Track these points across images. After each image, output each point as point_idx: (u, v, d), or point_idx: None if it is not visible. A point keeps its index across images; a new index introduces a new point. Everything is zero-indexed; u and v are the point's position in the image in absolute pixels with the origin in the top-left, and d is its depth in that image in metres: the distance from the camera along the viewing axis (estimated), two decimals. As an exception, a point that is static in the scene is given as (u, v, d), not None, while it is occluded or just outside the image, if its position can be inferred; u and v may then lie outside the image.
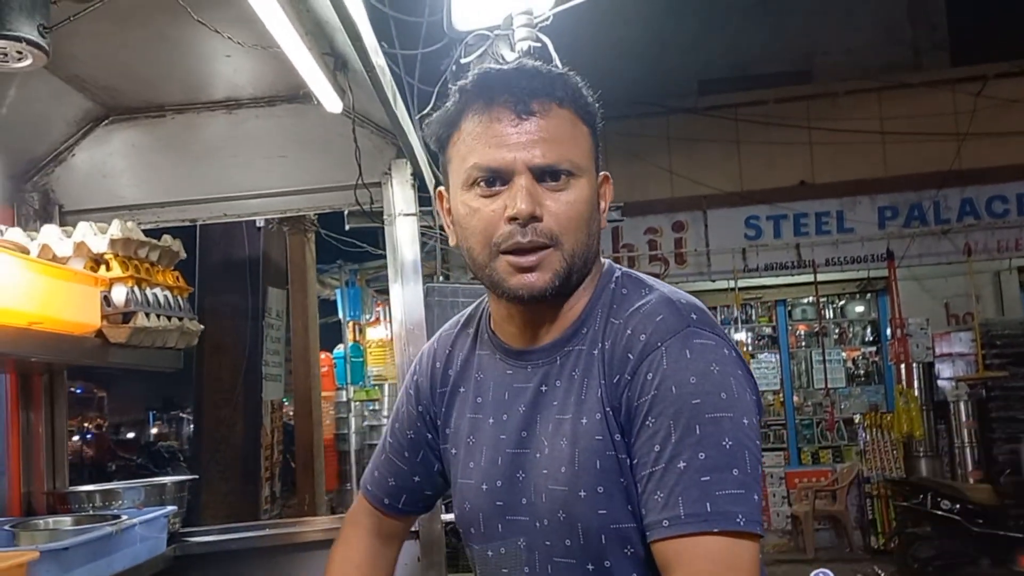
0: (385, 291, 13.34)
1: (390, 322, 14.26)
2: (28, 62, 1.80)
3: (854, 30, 11.78)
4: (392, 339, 12.83)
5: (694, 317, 1.19)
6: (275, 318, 5.87)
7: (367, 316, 12.64)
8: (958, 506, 7.55)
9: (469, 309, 1.50)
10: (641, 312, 1.21)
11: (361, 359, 10.99)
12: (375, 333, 12.98)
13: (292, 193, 3.03)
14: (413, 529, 2.79)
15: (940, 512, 7.59)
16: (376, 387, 11.63)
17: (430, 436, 1.46)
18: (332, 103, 2.47)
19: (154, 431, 19.30)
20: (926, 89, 10.31)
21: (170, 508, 2.54)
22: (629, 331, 1.20)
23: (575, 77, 1.26)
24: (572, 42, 3.43)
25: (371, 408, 11.18)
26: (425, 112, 3.38)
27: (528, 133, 1.19)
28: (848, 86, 10.76)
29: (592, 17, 3.52)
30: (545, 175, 1.20)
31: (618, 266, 1.35)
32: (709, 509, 1.06)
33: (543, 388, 1.27)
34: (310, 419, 5.81)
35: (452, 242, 1.33)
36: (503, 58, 3.40)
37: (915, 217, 10.27)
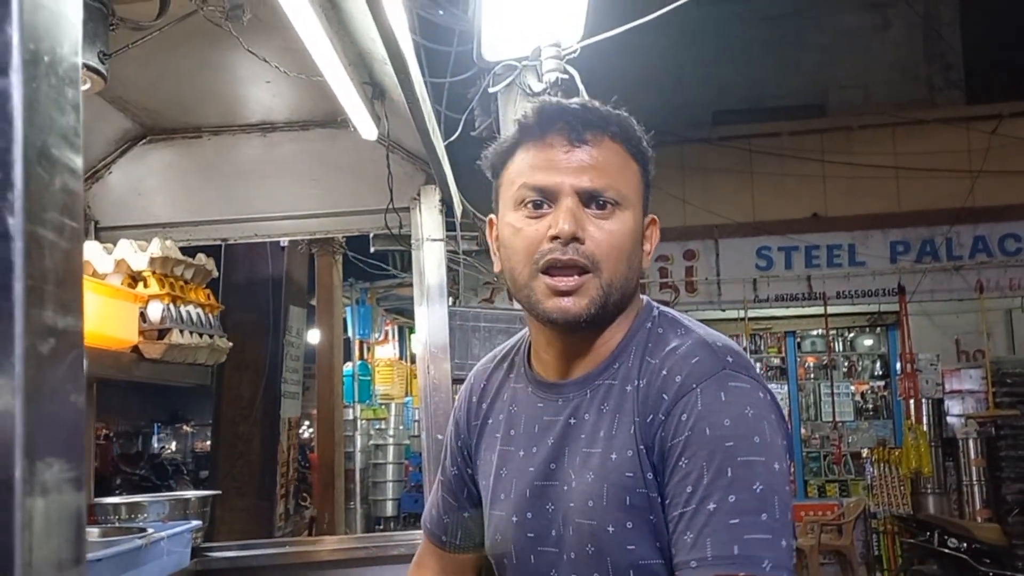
0: (395, 310, 13.44)
1: (398, 341, 14.30)
2: (87, 87, 1.86)
3: (869, 66, 11.85)
4: (396, 358, 12.78)
5: (730, 360, 1.20)
6: (295, 336, 5.91)
7: (376, 335, 12.67)
8: (965, 545, 7.51)
9: (508, 344, 1.52)
10: (677, 353, 1.22)
11: (369, 377, 11.01)
12: (383, 352, 13.01)
13: (322, 215, 3.09)
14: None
15: (947, 550, 7.55)
16: (383, 406, 11.63)
17: (470, 471, 1.49)
18: (368, 130, 2.53)
19: (158, 444, 19.28)
20: (940, 126, 10.35)
21: (195, 523, 2.57)
22: (664, 371, 1.21)
23: (632, 120, 1.30)
24: (588, 70, 3.48)
25: (377, 427, 11.18)
26: (454, 137, 3.44)
27: (579, 160, 1.22)
28: (862, 120, 10.81)
29: (608, 47, 3.57)
30: (591, 201, 1.22)
31: (657, 304, 1.36)
32: (736, 552, 1.06)
33: (572, 421, 1.28)
34: (332, 438, 5.85)
35: (496, 268, 1.34)
36: (531, 88, 3.45)
37: (927, 253, 10.29)
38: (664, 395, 1.18)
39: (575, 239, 1.20)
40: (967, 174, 10.02)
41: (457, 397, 1.55)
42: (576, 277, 1.21)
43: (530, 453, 1.33)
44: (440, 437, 2.86)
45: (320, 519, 5.83)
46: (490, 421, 1.43)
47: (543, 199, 1.23)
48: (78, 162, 0.53)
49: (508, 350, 1.50)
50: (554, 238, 1.20)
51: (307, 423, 14.02)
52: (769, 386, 1.23)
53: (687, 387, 1.17)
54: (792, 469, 9.13)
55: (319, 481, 6.30)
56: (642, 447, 1.19)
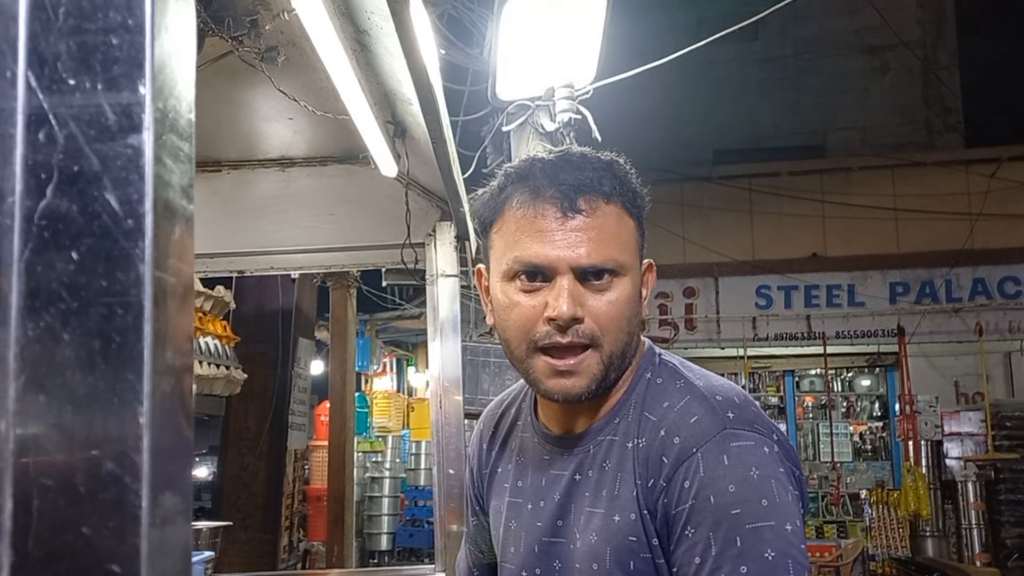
0: (393, 342, 13.45)
1: (396, 373, 14.27)
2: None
3: (868, 109, 11.99)
4: (394, 391, 12.73)
5: (730, 416, 1.14)
6: (303, 368, 5.92)
7: (375, 367, 12.67)
8: (965, 588, 7.51)
9: (515, 387, 1.50)
10: (675, 411, 1.17)
11: (366, 410, 10.99)
12: (381, 384, 13.00)
13: (337, 249, 3.13)
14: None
15: (946, 593, 7.53)
16: (380, 439, 11.60)
17: (488, 520, 1.46)
18: (388, 167, 2.58)
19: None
20: (939, 168, 10.46)
21: (208, 554, 2.57)
22: (663, 432, 1.16)
23: (623, 165, 1.24)
24: (592, 109, 3.54)
25: (373, 460, 11.15)
26: (467, 175, 3.49)
27: (573, 231, 1.15)
28: (861, 162, 10.92)
29: (612, 86, 3.64)
30: (588, 275, 1.16)
31: (659, 350, 1.31)
32: None
33: (577, 477, 1.25)
34: (343, 471, 5.84)
35: (490, 321, 1.30)
36: (543, 127, 3.51)
37: (926, 294, 10.35)
38: (664, 458, 1.14)
39: (575, 320, 1.15)
40: (966, 217, 10.11)
41: (470, 444, 1.53)
42: (577, 356, 1.17)
43: (538, 507, 1.30)
44: (452, 472, 2.88)
45: (329, 552, 5.80)
46: (499, 470, 1.41)
47: (537, 273, 1.17)
48: (191, 211, 0.56)
49: (516, 395, 1.47)
50: (551, 320, 1.15)
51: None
52: (774, 427, 1.18)
53: (687, 451, 1.12)
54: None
55: (327, 514, 6.28)
56: (645, 512, 1.15)
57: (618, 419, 1.23)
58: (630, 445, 1.19)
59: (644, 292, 1.26)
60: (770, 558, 1.04)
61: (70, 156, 0.52)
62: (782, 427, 11.21)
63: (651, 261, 1.28)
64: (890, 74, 12.06)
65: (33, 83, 0.52)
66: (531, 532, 1.30)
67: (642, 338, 1.30)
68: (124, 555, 0.48)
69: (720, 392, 1.19)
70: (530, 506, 1.32)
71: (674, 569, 1.12)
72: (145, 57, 0.53)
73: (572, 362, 1.16)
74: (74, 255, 0.51)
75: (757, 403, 1.22)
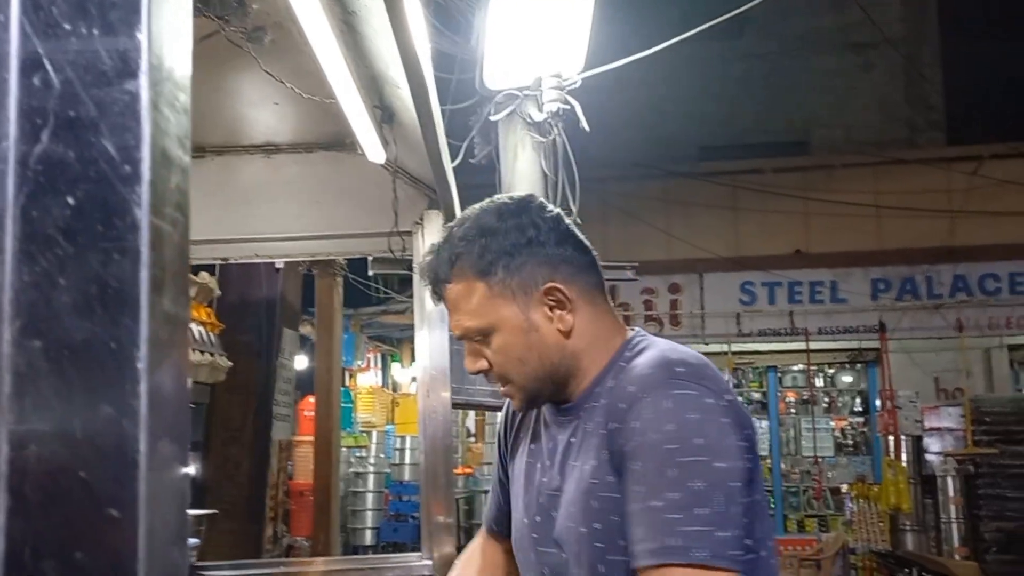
0: (378, 338, 13.41)
1: (380, 369, 14.23)
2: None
3: (852, 106, 12.05)
4: (379, 386, 12.69)
5: (679, 370, 1.30)
6: (287, 359, 5.89)
7: (359, 362, 12.63)
8: (944, 582, 7.56)
9: None
10: (636, 369, 1.35)
11: (350, 405, 10.95)
12: (365, 379, 12.97)
13: (323, 237, 3.11)
14: (428, 575, 2.83)
15: (926, 587, 7.59)
16: (364, 434, 11.57)
17: (508, 476, 1.68)
18: (376, 153, 2.57)
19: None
20: (921, 166, 10.52)
21: (192, 541, 2.56)
22: (625, 383, 1.34)
23: (459, 242, 1.42)
24: (578, 103, 3.55)
25: (357, 455, 11.12)
26: (455, 164, 3.48)
27: (449, 311, 1.44)
28: (844, 159, 10.97)
29: (597, 81, 3.64)
30: (472, 338, 1.42)
31: (644, 333, 1.48)
32: (677, 545, 1.18)
33: (572, 440, 1.43)
34: (329, 460, 5.82)
35: None
36: (531, 117, 3.51)
37: (908, 291, 10.42)
38: (620, 404, 1.31)
39: (481, 371, 1.43)
40: (948, 214, 10.18)
41: (501, 411, 1.74)
42: (504, 387, 1.45)
43: (545, 466, 1.49)
44: (439, 459, 2.88)
45: (315, 541, 5.79)
46: (521, 434, 1.61)
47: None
48: (188, 162, 0.56)
49: None
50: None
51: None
52: (728, 390, 1.33)
53: (638, 397, 1.29)
54: (772, 502, 9.13)
55: (314, 503, 6.27)
56: (605, 453, 1.33)
57: (598, 388, 1.41)
58: (604, 401, 1.38)
59: (554, 312, 1.41)
60: (698, 488, 1.19)
61: (66, 101, 0.51)
62: (764, 423, 11.31)
63: (552, 282, 1.41)
64: (873, 72, 12.13)
65: (28, 28, 0.52)
66: (536, 487, 1.50)
67: (629, 328, 1.50)
68: (123, 499, 0.47)
69: (679, 353, 1.36)
70: (540, 465, 1.51)
71: (626, 501, 1.28)
72: (142, 3, 0.52)
73: (504, 391, 1.46)
74: (70, 200, 0.50)
75: (718, 370, 1.38)
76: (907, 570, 7.84)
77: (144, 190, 0.50)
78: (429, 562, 2.81)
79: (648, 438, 1.24)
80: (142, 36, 0.52)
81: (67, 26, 0.52)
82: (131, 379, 0.48)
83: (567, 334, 1.43)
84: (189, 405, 0.54)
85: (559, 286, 1.42)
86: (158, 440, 0.49)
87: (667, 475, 1.21)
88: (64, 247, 0.50)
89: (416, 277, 2.99)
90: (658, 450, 1.23)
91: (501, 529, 1.70)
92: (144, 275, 0.49)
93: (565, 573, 1.41)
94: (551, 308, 1.42)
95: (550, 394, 1.45)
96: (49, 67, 0.51)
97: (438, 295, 1.43)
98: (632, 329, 1.49)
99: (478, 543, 1.81)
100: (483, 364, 1.41)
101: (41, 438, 0.48)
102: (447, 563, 2.76)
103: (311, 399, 8.83)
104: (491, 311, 1.39)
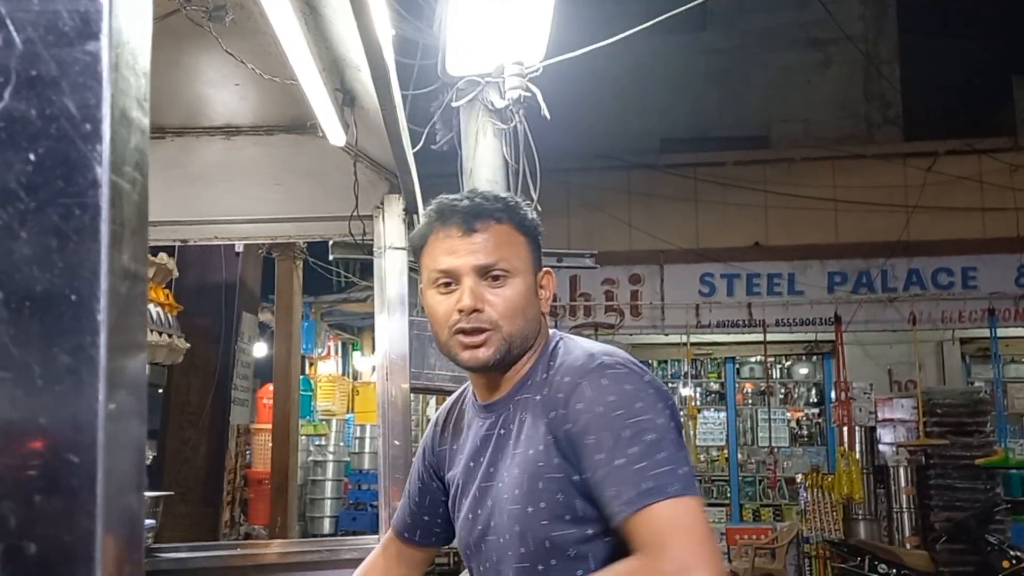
0: (339, 326, 13.35)
1: (341, 357, 14.16)
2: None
3: (811, 102, 12.19)
4: (339, 374, 12.61)
5: (606, 358, 1.48)
6: (247, 343, 5.85)
7: (319, 350, 12.57)
8: (895, 571, 7.71)
9: (463, 387, 1.83)
10: (567, 362, 1.53)
11: (310, 393, 10.90)
12: (326, 368, 12.91)
13: (283, 220, 3.11)
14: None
15: (877, 575, 7.74)
16: (323, 422, 11.52)
17: (435, 485, 1.79)
18: (337, 136, 2.57)
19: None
20: (878, 161, 10.69)
21: (149, 522, 2.56)
22: (558, 377, 1.51)
23: (520, 202, 1.60)
24: (541, 93, 3.57)
25: (316, 443, 11.07)
26: (416, 150, 3.48)
27: (473, 243, 1.52)
28: (803, 153, 11.11)
29: (561, 70, 3.67)
30: (486, 274, 1.51)
31: (562, 334, 1.65)
32: (652, 486, 1.31)
33: (502, 432, 1.58)
34: (287, 443, 5.80)
35: (429, 322, 1.63)
36: (493, 104, 3.53)
37: (863, 284, 10.59)
38: (559, 393, 1.47)
39: (476, 310, 1.50)
40: (903, 209, 10.35)
41: (427, 428, 1.85)
42: (480, 335, 1.51)
43: (478, 463, 1.62)
44: (398, 443, 2.90)
45: (272, 523, 5.77)
46: (454, 446, 1.72)
47: (450, 279, 1.52)
48: (147, 124, 0.58)
49: (464, 391, 1.79)
50: (460, 311, 1.51)
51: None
52: (648, 372, 1.50)
53: (575, 383, 1.46)
54: (728, 491, 9.25)
55: (271, 484, 6.24)
56: (550, 437, 1.47)
57: (528, 381, 1.57)
58: (539, 397, 1.53)
59: (544, 293, 1.61)
60: (651, 439, 1.35)
61: (28, 60, 0.53)
62: (722, 413, 11.46)
63: (548, 269, 1.63)
64: (833, 68, 12.28)
65: (-10, -12, 0.53)
66: (472, 483, 1.62)
67: (551, 330, 1.65)
68: (81, 445, 0.49)
69: (601, 347, 1.54)
70: (472, 464, 1.64)
71: (587, 475, 1.41)
72: (104, -34, 0.53)
73: (477, 339, 1.52)
74: (31, 156, 0.52)
75: (638, 360, 1.55)
76: (859, 559, 7.98)
77: (104, 148, 0.52)
78: (387, 544, 2.82)
79: (596, 412, 1.40)
80: (104, 0, 0.53)
81: (29, -13, 0.53)
82: (91, 330, 0.50)
83: (539, 317, 1.60)
84: (146, 359, 0.55)
85: (551, 274, 1.63)
86: (116, 389, 0.51)
87: (622, 436, 1.35)
88: (25, 201, 0.51)
89: (377, 262, 3.00)
90: (607, 418, 1.38)
91: (413, 538, 1.81)
92: (104, 230, 0.51)
93: (508, 556, 1.52)
94: (541, 289, 1.60)
95: (511, 359, 1.55)
96: (11, 26, 0.52)
97: (473, 229, 1.51)
98: (551, 330, 1.66)
99: (381, 548, 1.89)
100: (481, 304, 1.50)
101: (1, 384, 0.49)
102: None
103: (270, 387, 8.79)
104: (520, 261, 1.54)
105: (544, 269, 1.62)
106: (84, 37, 0.53)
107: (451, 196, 1.63)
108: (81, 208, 0.51)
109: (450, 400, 1.84)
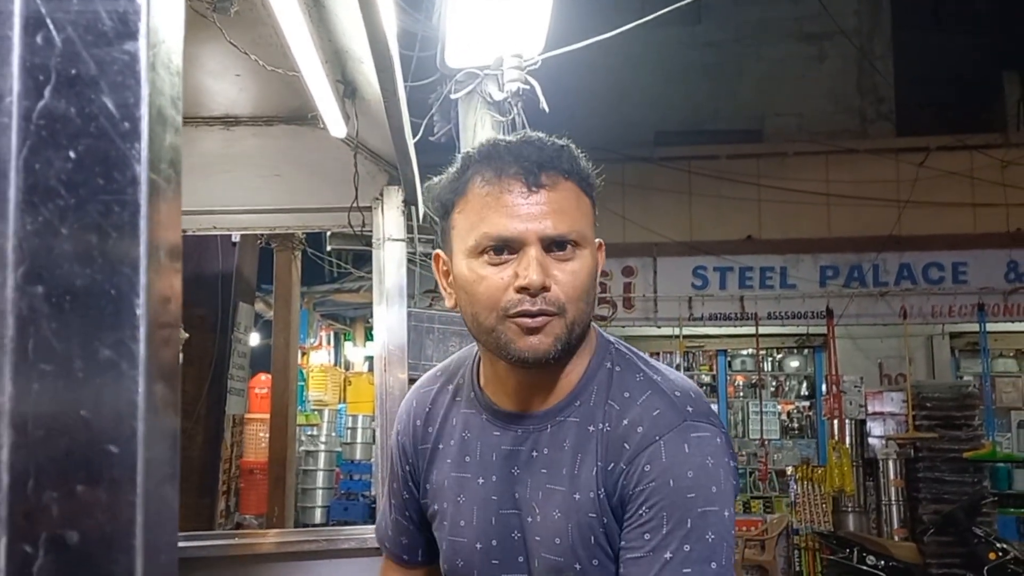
0: (331, 316, 13.36)
1: (333, 347, 14.16)
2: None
3: (805, 96, 12.22)
4: (331, 365, 12.63)
5: (690, 410, 1.23)
6: (243, 333, 5.87)
7: (311, 340, 12.59)
8: (883, 563, 7.77)
9: (448, 364, 1.53)
10: (639, 404, 1.25)
11: (302, 383, 10.91)
12: (318, 358, 12.93)
13: (282, 211, 3.11)
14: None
15: (866, 567, 7.79)
16: (316, 412, 11.55)
17: (418, 493, 1.49)
18: (337, 128, 2.58)
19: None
20: (871, 156, 10.72)
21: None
22: (627, 421, 1.24)
23: (575, 150, 1.31)
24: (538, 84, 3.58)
25: (309, 433, 11.09)
26: (414, 142, 3.49)
27: (539, 204, 1.21)
28: (797, 147, 11.14)
29: (555, 62, 3.67)
30: (553, 245, 1.23)
31: (608, 336, 1.39)
32: None
33: (534, 454, 1.31)
34: (285, 432, 5.82)
35: (449, 304, 1.35)
36: (491, 97, 3.53)
37: (855, 278, 10.64)
38: (626, 444, 1.22)
39: (543, 288, 1.21)
40: (895, 203, 10.40)
41: (397, 420, 1.54)
42: (543, 317, 1.22)
43: (489, 481, 1.35)
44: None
45: (269, 513, 5.79)
46: (440, 446, 1.43)
47: (505, 246, 1.22)
48: (180, 122, 0.59)
49: (451, 372, 1.50)
50: (522, 288, 1.21)
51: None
52: (729, 440, 1.26)
53: (650, 438, 1.20)
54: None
55: (268, 475, 6.26)
56: (602, 491, 1.23)
57: (579, 402, 1.29)
58: (591, 428, 1.26)
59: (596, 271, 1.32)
60: (711, 540, 1.15)
61: (67, 59, 0.54)
62: (713, 406, 11.43)
63: (601, 241, 1.34)
64: (827, 62, 12.31)
65: (30, -12, 0.54)
66: (485, 506, 1.34)
67: (596, 327, 1.37)
68: (122, 437, 0.50)
69: (678, 388, 1.27)
70: (481, 480, 1.36)
71: (623, 544, 1.20)
72: (141, -32, 0.54)
73: (540, 320, 1.21)
74: (71, 154, 0.53)
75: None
76: (848, 550, 8.04)
77: (143, 146, 0.53)
78: (383, 534, 2.84)
79: (666, 484, 1.17)
80: (141, 0, 0.54)
81: (68, -13, 0.54)
82: (130, 324, 0.51)
83: (595, 303, 1.32)
84: (179, 352, 0.57)
85: (603, 247, 1.34)
86: (154, 382, 0.52)
87: (683, 525, 1.14)
88: (65, 198, 0.52)
89: (376, 253, 3.01)
90: (676, 498, 1.16)
91: (415, 558, 1.56)
92: (143, 226, 0.52)
93: None
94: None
95: (570, 353, 1.28)
96: (51, 26, 0.53)
97: (540, 184, 1.22)
98: (593, 325, 1.37)
99: None
100: (548, 281, 1.21)
101: (43, 377, 0.50)
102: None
103: (263, 377, 8.79)
104: (589, 228, 1.28)
105: (598, 241, 1.33)
106: (122, 37, 0.54)
107: (499, 137, 1.33)
108: (120, 205, 0.52)
109: (428, 387, 1.52)
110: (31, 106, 0.53)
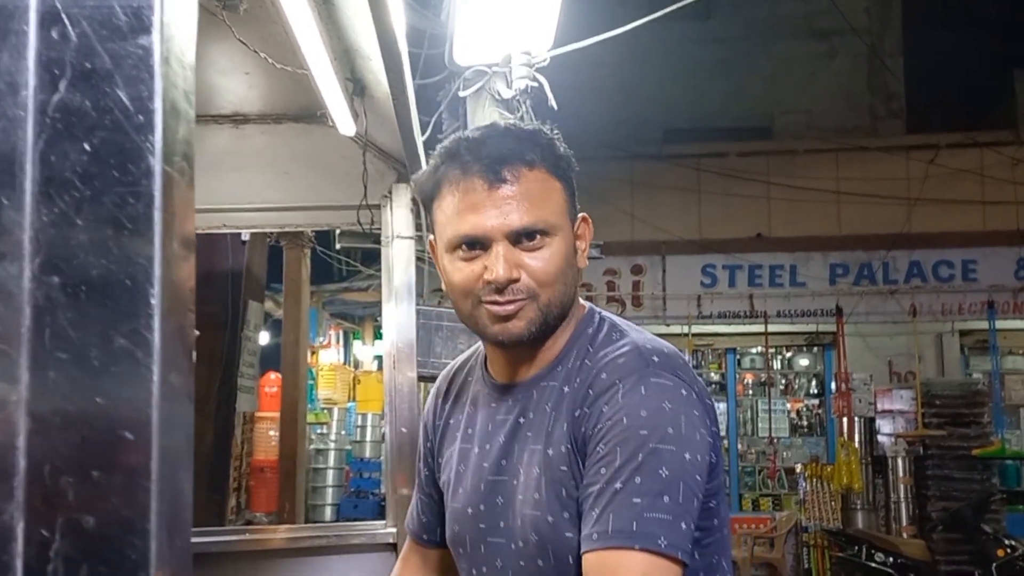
0: (340, 315, 13.39)
1: (343, 346, 14.19)
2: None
3: (815, 93, 12.18)
4: (340, 363, 12.67)
5: (655, 360, 1.26)
6: (252, 331, 5.90)
7: (320, 339, 12.62)
8: (892, 560, 7.76)
9: (472, 348, 1.61)
10: (608, 356, 1.29)
11: (312, 382, 10.95)
12: (327, 356, 12.96)
13: (291, 209, 3.12)
14: (392, 542, 2.88)
15: (874, 564, 7.78)
16: (325, 411, 11.58)
17: (435, 469, 1.56)
18: (346, 126, 2.59)
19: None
20: (881, 154, 10.68)
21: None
22: (595, 370, 1.28)
23: (546, 132, 1.34)
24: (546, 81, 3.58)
25: (318, 431, 11.13)
26: (423, 139, 3.50)
27: (502, 200, 1.25)
28: (807, 145, 11.10)
29: (564, 59, 3.68)
30: (522, 237, 1.26)
31: (599, 310, 1.42)
32: (635, 528, 1.12)
33: (520, 420, 1.36)
34: (295, 429, 5.85)
35: (444, 288, 1.41)
36: (500, 94, 3.54)
37: (865, 276, 10.60)
38: (590, 390, 1.26)
39: (511, 280, 1.26)
40: (905, 201, 10.36)
41: (427, 403, 1.63)
42: (514, 304, 1.28)
43: (484, 450, 1.40)
44: (404, 431, 2.92)
45: (281, 508, 5.82)
46: (451, 421, 1.51)
47: (475, 243, 1.27)
48: (193, 115, 0.60)
49: (470, 357, 1.58)
50: (489, 282, 1.26)
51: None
52: (698, 382, 1.28)
53: (610, 382, 1.24)
54: (728, 482, 9.27)
55: (279, 471, 6.29)
56: (571, 443, 1.26)
57: (560, 367, 1.34)
58: (567, 388, 1.31)
59: (582, 245, 1.36)
60: (663, 475, 1.15)
61: (83, 54, 0.55)
62: (722, 404, 11.49)
63: (585, 215, 1.37)
64: (837, 59, 12.27)
65: (46, -17, 0.55)
66: (477, 472, 1.41)
67: (583, 302, 1.41)
68: (137, 423, 0.51)
69: (652, 343, 1.31)
70: (477, 449, 1.42)
71: (584, 482, 1.22)
72: (155, -36, 0.55)
73: (511, 307, 1.28)
74: (87, 147, 0.54)
75: (690, 365, 1.34)
76: (856, 548, 8.03)
77: (157, 139, 0.54)
78: (393, 530, 2.86)
79: (619, 422, 1.19)
80: (155, -4, 0.55)
81: (83, -17, 0.55)
82: (145, 314, 0.52)
83: (580, 276, 1.37)
84: (193, 342, 0.58)
85: (588, 221, 1.37)
86: (169, 371, 0.53)
87: (635, 459, 1.16)
88: (81, 190, 0.53)
89: (385, 251, 3.02)
90: (628, 434, 1.18)
91: (433, 538, 1.59)
92: (157, 218, 0.53)
93: (520, 565, 1.32)
94: (578, 240, 1.35)
95: (548, 331, 1.32)
96: (67, 21, 0.55)
97: (502, 179, 1.25)
98: (584, 302, 1.42)
99: (401, 563, 1.68)
100: (517, 273, 1.26)
101: (60, 366, 0.52)
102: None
103: (272, 375, 8.82)
104: (558, 215, 1.30)
105: (581, 215, 1.36)
106: (136, 31, 0.55)
107: (465, 133, 1.34)
108: (135, 197, 0.53)
109: (452, 366, 1.61)
110: (47, 99, 0.54)
